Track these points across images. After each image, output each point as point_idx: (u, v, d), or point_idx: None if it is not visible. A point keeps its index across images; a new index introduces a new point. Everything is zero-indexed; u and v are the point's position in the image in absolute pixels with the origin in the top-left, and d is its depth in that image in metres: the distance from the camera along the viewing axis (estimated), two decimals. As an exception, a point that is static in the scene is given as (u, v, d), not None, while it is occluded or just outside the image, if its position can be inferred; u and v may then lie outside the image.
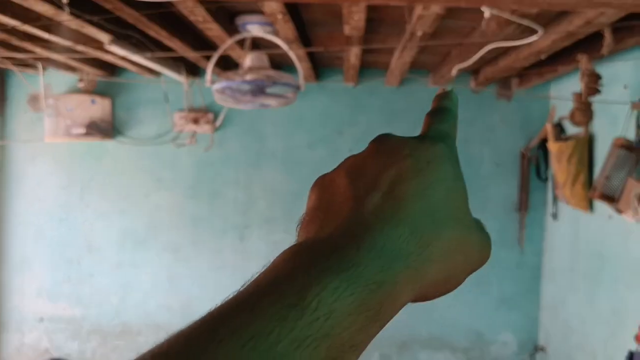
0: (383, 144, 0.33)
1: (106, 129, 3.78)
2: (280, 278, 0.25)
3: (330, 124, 3.85)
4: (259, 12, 2.33)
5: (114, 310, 3.92)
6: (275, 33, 2.45)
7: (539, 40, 2.14)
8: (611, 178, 2.60)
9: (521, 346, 3.88)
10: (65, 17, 2.03)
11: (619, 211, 2.58)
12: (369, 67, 3.56)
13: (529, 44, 2.21)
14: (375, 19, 2.37)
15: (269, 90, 2.57)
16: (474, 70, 3.44)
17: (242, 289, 0.25)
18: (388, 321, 0.27)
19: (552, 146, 3.20)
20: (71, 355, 3.92)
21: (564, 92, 3.29)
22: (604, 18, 1.86)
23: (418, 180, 0.30)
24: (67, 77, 3.70)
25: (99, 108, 3.76)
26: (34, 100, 3.66)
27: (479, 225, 0.34)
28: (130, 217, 3.89)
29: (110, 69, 3.63)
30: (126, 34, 2.43)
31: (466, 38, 2.50)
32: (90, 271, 3.91)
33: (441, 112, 0.36)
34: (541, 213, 3.80)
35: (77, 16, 2.03)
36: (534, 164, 3.76)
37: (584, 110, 2.58)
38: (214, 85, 2.55)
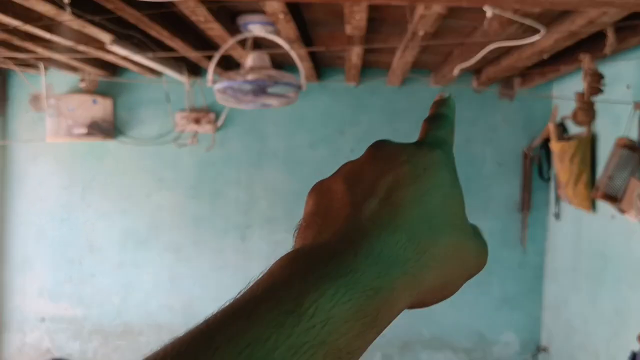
0: (380, 150, 0.33)
1: (108, 129, 3.78)
2: (277, 284, 0.25)
3: (332, 123, 3.84)
4: (260, 11, 2.32)
5: (115, 310, 3.92)
6: (277, 33, 2.45)
7: (542, 40, 2.13)
8: (614, 178, 2.59)
9: (523, 346, 3.87)
10: (66, 17, 2.03)
11: (622, 211, 2.58)
12: (371, 66, 3.55)
13: (532, 44, 2.20)
14: (377, 19, 2.36)
15: (270, 90, 2.56)
16: (476, 70, 3.43)
17: (239, 295, 0.25)
18: (385, 327, 0.27)
19: (555, 146, 3.19)
20: (72, 355, 3.92)
21: (566, 91, 3.28)
22: (606, 17, 1.86)
23: (415, 187, 0.30)
24: (69, 77, 3.70)
25: (100, 108, 3.76)
26: (35, 100, 3.67)
27: (476, 232, 0.34)
28: (131, 217, 3.89)
29: (112, 69, 3.63)
30: (128, 34, 2.42)
31: (468, 38, 2.50)
32: (92, 271, 3.92)
33: (438, 119, 0.36)
34: (543, 213, 3.79)
35: (79, 16, 2.02)
36: (536, 163, 3.76)
37: (586, 110, 2.57)
38: (215, 85, 2.55)
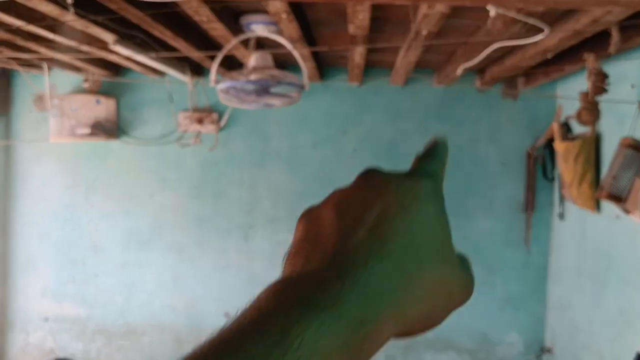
0: (370, 178, 0.33)
1: (111, 129, 3.79)
2: (263, 316, 0.25)
3: (335, 123, 3.84)
4: (263, 11, 2.32)
5: (118, 310, 3.93)
6: (280, 32, 2.44)
7: (546, 39, 2.12)
8: (618, 178, 2.58)
9: (527, 347, 3.86)
10: (69, 17, 2.03)
11: (627, 211, 2.56)
12: (374, 66, 3.54)
13: (535, 43, 2.19)
14: (380, 18, 2.36)
15: (273, 89, 2.56)
16: (480, 70, 3.42)
17: (226, 326, 0.25)
18: (371, 357, 0.27)
19: (559, 146, 3.17)
20: (76, 355, 3.93)
21: (570, 91, 3.26)
22: (611, 16, 1.84)
23: (403, 217, 0.31)
24: (72, 77, 3.71)
25: (103, 108, 3.77)
26: (39, 100, 3.67)
27: (463, 263, 0.34)
28: (134, 217, 3.90)
29: (115, 69, 3.63)
30: (131, 34, 2.43)
31: (471, 37, 2.49)
32: (95, 271, 3.92)
33: (430, 155, 0.37)
34: (548, 213, 3.78)
35: (82, 16, 2.02)
36: (540, 163, 3.74)
37: (590, 110, 2.56)
38: (218, 85, 2.54)
